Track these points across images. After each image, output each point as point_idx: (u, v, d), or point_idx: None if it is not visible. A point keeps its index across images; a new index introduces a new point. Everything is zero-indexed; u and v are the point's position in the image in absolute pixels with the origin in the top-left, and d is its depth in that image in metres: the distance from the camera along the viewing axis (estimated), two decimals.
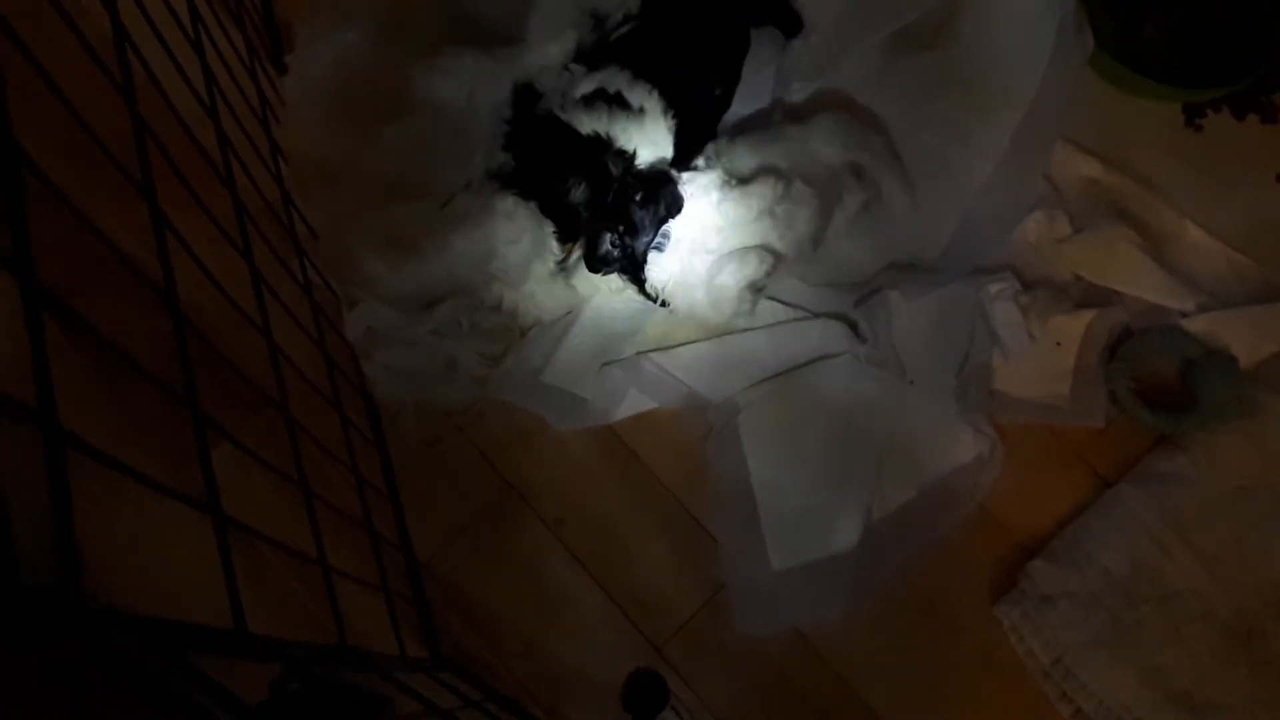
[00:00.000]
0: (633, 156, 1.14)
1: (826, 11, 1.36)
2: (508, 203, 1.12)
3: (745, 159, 1.24)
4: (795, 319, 1.27)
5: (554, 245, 1.17)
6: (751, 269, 1.18)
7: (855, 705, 1.13)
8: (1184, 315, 1.29)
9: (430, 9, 1.08)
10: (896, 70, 1.38)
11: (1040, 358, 1.26)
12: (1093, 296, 1.30)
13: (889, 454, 1.20)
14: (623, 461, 1.22)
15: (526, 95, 1.16)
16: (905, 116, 1.37)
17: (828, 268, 1.31)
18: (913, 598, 1.17)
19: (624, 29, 1.23)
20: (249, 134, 0.95)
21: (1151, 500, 1.19)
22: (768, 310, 1.27)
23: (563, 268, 1.18)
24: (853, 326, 1.26)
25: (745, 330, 1.26)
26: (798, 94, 1.36)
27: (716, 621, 1.16)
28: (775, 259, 1.21)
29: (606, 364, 1.23)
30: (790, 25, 1.37)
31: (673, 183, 1.18)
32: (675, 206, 1.18)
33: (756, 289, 1.23)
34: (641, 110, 1.16)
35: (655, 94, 1.18)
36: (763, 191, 1.18)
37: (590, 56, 1.21)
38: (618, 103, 1.15)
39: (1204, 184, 1.38)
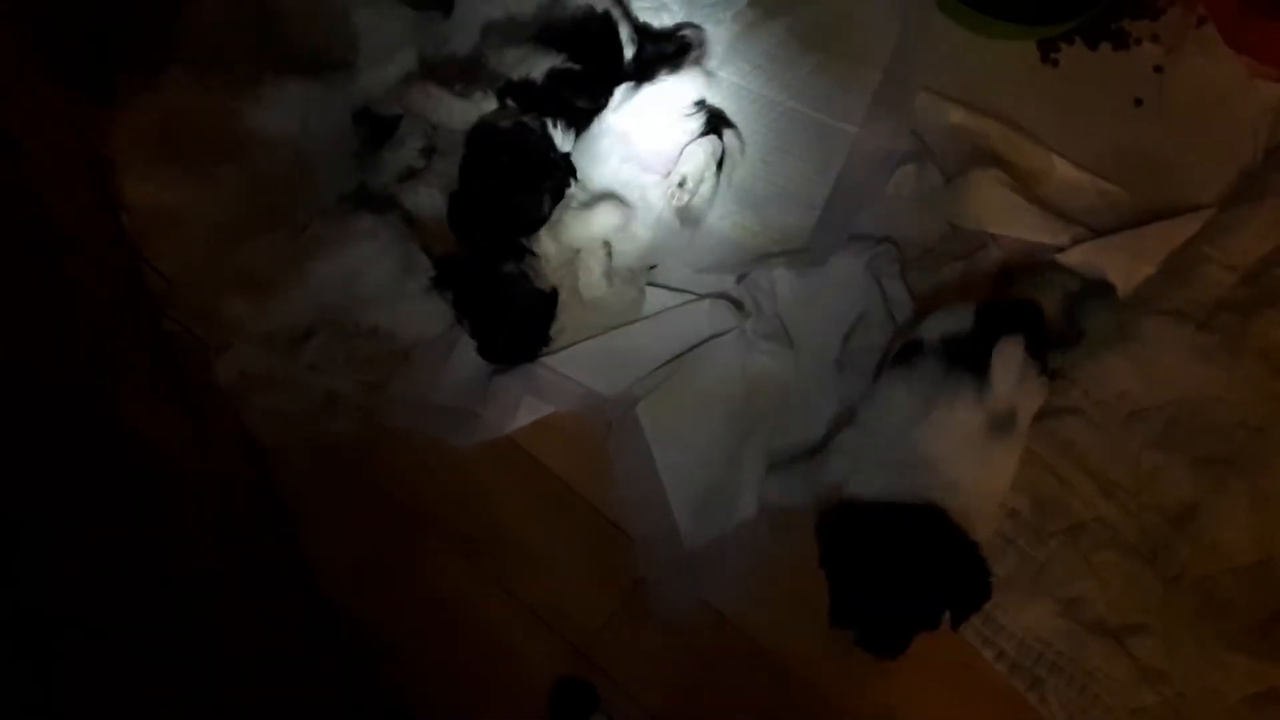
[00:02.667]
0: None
1: None
2: (365, 222, 1.10)
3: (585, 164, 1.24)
4: (682, 303, 1.27)
5: (424, 260, 1.15)
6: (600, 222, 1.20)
7: (774, 670, 1.14)
8: (1059, 250, 1.30)
9: (246, 42, 1.04)
10: (755, 41, 1.38)
11: None
12: (970, 243, 1.31)
13: (781, 423, 1.21)
14: (526, 471, 1.21)
15: (367, 119, 1.14)
16: (769, 87, 1.37)
17: (711, 249, 1.31)
18: None
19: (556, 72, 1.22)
20: (75, 197, 0.91)
21: (1047, 435, 1.21)
22: (654, 298, 1.27)
23: (436, 283, 1.16)
24: (738, 304, 1.26)
25: (633, 321, 1.25)
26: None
27: (638, 616, 1.15)
28: (625, 209, 1.22)
29: (496, 373, 1.21)
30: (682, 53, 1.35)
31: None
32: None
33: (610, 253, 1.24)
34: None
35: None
36: (605, 209, 1.19)
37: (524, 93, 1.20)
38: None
39: (1066, 117, 1.40)
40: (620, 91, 1.25)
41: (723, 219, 1.32)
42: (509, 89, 1.21)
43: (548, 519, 1.19)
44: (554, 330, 1.23)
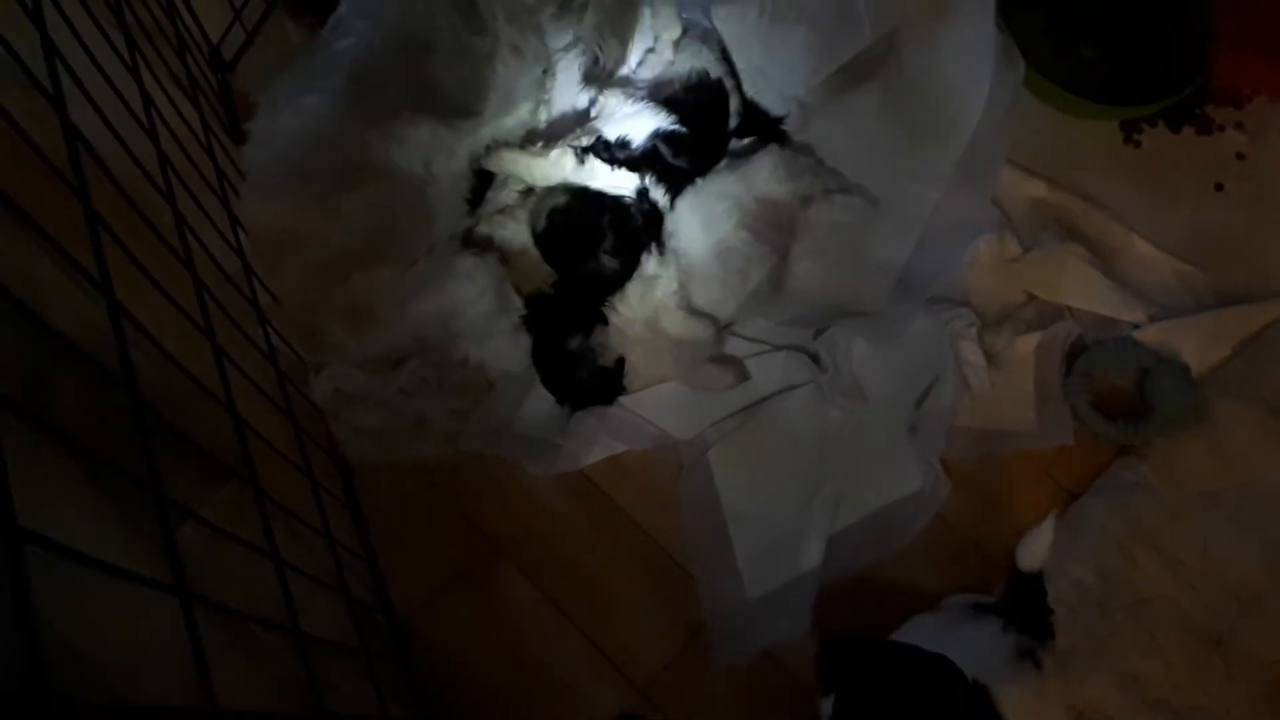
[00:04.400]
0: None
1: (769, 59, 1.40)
2: (468, 263, 1.15)
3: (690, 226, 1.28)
4: (758, 353, 1.30)
5: (516, 300, 1.20)
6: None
7: None
8: (1135, 326, 1.32)
9: (390, 76, 1.09)
10: (841, 107, 1.42)
11: (1003, 386, 1.29)
12: (1046, 314, 1.33)
13: (847, 478, 1.23)
14: (597, 506, 1.23)
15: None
16: (853, 151, 1.40)
17: (791, 304, 1.34)
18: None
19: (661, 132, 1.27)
20: (206, 210, 0.97)
21: (1116, 510, 1.22)
22: (731, 347, 1.30)
23: (525, 322, 1.21)
24: (814, 358, 1.28)
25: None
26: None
27: (699, 658, 1.17)
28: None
29: (575, 408, 1.25)
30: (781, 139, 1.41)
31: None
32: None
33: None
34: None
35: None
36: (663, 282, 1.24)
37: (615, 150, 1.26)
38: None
39: (1146, 197, 1.42)
40: (758, 159, 1.31)
41: (803, 276, 1.35)
42: (597, 146, 1.26)
43: (617, 555, 1.21)
44: (627, 379, 1.27)
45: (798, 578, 1.18)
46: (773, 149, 1.36)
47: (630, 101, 1.25)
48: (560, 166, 1.20)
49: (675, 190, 1.27)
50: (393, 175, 1.07)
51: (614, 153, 1.23)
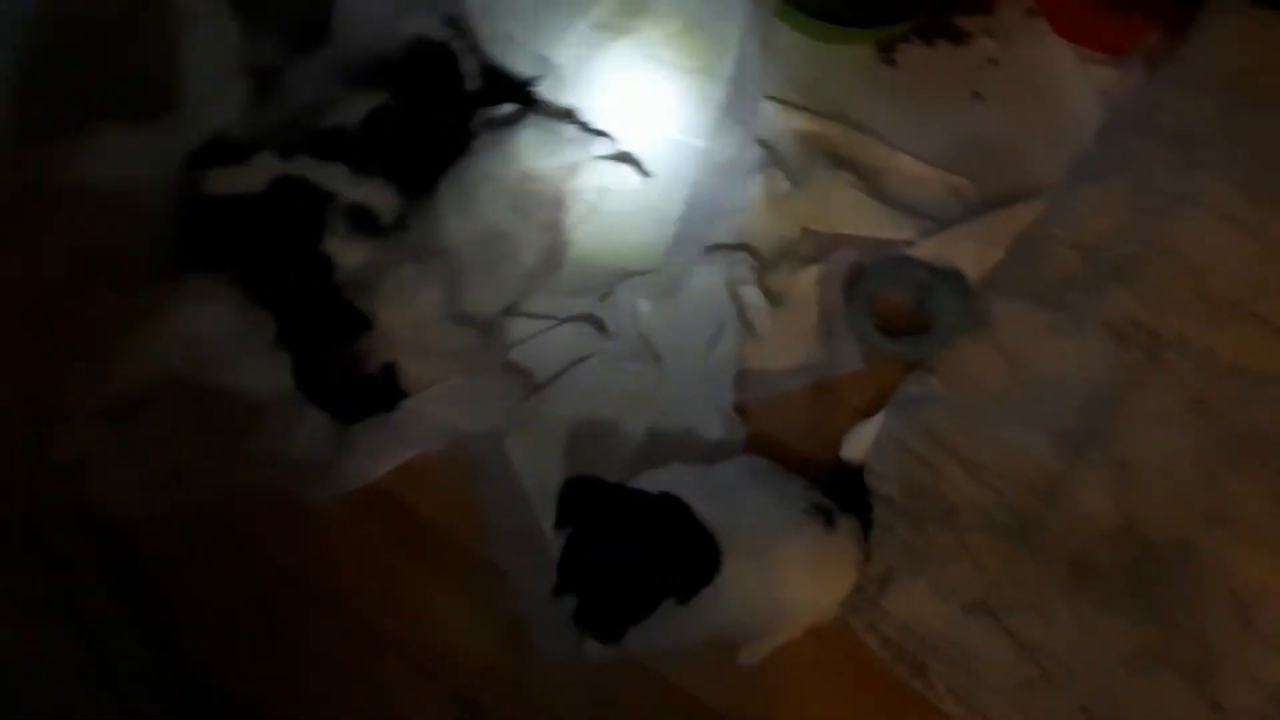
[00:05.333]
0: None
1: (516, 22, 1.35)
2: (201, 283, 1.06)
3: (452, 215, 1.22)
4: (544, 330, 1.26)
5: (266, 314, 1.13)
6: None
7: (671, 693, 1.13)
8: (909, 244, 1.33)
9: (56, 80, 0.97)
10: (601, 63, 1.40)
11: (789, 323, 1.29)
12: (824, 246, 1.34)
13: (648, 437, 1.22)
14: (394, 515, 1.18)
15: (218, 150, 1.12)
16: (614, 110, 1.38)
17: (571, 273, 1.31)
18: None
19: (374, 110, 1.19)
20: None
21: (911, 424, 1.23)
22: (514, 326, 1.27)
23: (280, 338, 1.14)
24: (600, 327, 1.26)
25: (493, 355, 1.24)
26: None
27: (524, 653, 1.13)
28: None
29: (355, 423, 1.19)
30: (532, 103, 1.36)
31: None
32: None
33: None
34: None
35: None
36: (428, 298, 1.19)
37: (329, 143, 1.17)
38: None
39: (908, 114, 1.44)
40: (517, 133, 1.26)
41: (581, 244, 1.32)
42: (311, 141, 1.17)
43: (422, 565, 1.17)
44: (403, 383, 1.20)
45: None
46: (531, 121, 1.31)
47: (343, 84, 1.18)
48: (261, 174, 1.11)
49: (409, 167, 1.21)
50: (88, 194, 0.96)
51: (322, 145, 1.15)
